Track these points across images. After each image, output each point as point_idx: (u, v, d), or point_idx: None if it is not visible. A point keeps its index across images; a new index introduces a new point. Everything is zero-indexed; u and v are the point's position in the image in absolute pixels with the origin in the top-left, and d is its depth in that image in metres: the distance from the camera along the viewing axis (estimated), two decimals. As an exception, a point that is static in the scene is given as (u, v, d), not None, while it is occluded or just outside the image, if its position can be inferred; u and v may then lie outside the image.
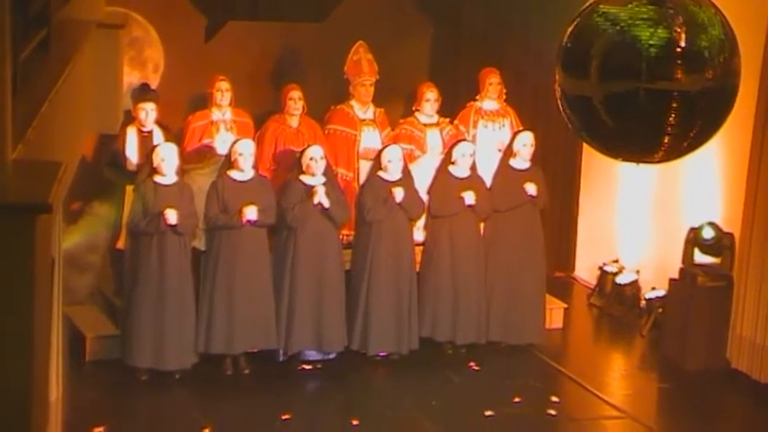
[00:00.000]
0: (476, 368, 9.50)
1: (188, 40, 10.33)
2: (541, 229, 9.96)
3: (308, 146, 9.32)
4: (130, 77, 9.74)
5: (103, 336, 9.31)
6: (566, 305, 10.61)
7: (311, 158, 9.14)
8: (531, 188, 9.71)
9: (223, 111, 9.73)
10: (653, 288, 10.44)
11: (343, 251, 9.42)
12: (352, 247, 9.55)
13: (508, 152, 9.87)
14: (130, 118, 9.40)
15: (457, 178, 9.60)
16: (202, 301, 9.02)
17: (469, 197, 9.54)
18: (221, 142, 9.58)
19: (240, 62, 10.32)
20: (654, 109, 5.39)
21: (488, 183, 9.79)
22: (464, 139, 9.93)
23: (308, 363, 9.36)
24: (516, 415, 8.68)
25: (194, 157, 9.57)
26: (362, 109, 10.06)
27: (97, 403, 8.62)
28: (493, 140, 10.26)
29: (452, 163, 9.62)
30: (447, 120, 10.26)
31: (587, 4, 5.61)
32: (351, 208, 9.46)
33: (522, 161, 9.81)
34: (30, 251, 3.54)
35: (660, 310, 10.19)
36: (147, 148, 9.24)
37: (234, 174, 9.06)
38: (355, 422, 8.37)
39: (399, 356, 9.47)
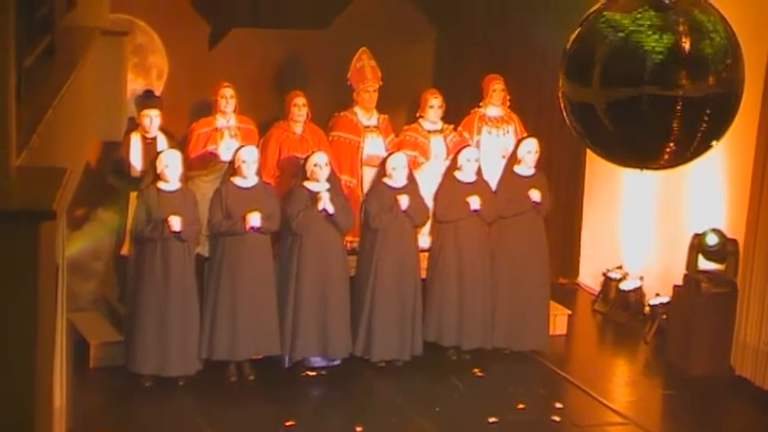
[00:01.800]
0: (480, 374, 9.50)
1: (192, 47, 10.35)
2: (545, 235, 9.95)
3: (313, 152, 9.33)
4: (134, 84, 9.76)
5: (107, 342, 9.31)
6: (569, 312, 10.61)
7: (315, 165, 9.14)
8: (535, 195, 9.71)
9: (227, 117, 9.73)
10: (657, 294, 10.43)
11: (347, 257, 9.43)
12: (357, 253, 9.56)
13: (512, 159, 9.88)
14: (134, 124, 9.41)
15: (463, 183, 9.61)
16: (206, 308, 9.02)
17: (475, 202, 9.54)
18: (225, 149, 9.59)
19: (244, 69, 10.33)
20: (657, 115, 5.39)
21: (493, 189, 9.79)
22: (469, 145, 9.94)
23: (313, 369, 9.36)
24: (520, 421, 8.67)
25: (198, 164, 9.57)
26: (366, 115, 10.07)
27: (101, 410, 8.62)
28: (497, 147, 10.26)
29: (458, 168, 9.63)
30: (451, 126, 10.26)
31: (591, 10, 5.61)
32: (355, 214, 9.47)
33: (526, 168, 9.81)
34: (34, 258, 3.54)
35: (664, 316, 10.18)
36: (151, 154, 9.24)
37: (238, 180, 9.07)
38: (359, 428, 8.36)
39: (403, 363, 9.47)
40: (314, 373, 9.33)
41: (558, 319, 10.38)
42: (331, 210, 9.10)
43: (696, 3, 5.52)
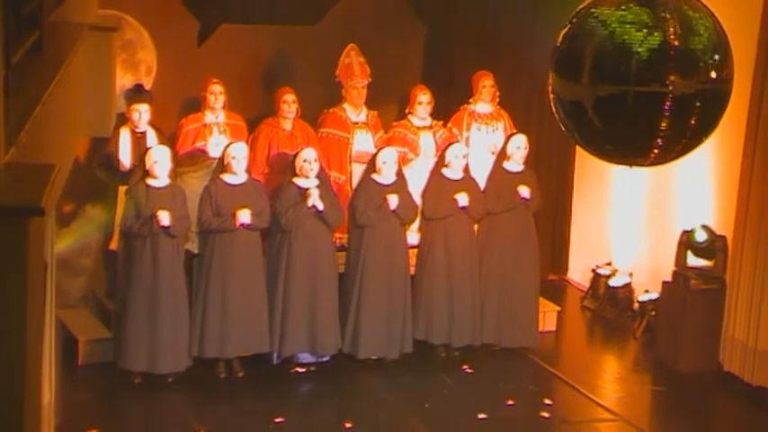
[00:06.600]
0: (469, 371, 9.50)
1: (181, 43, 10.33)
2: (535, 231, 9.96)
3: (302, 148, 9.32)
4: (123, 80, 9.75)
5: (96, 339, 9.30)
6: (559, 308, 10.62)
7: (305, 160, 9.14)
8: (524, 191, 9.72)
9: (216, 114, 9.72)
10: (646, 291, 10.45)
11: (336, 254, 9.42)
12: (346, 249, 9.55)
13: (502, 155, 9.88)
14: (124, 119, 9.38)
15: (450, 180, 9.61)
16: (196, 305, 9.01)
17: (463, 199, 9.55)
18: (214, 145, 9.57)
19: (233, 65, 10.32)
20: (645, 112, 5.40)
21: (482, 185, 9.80)
22: (456, 141, 9.95)
23: (302, 365, 9.36)
24: (509, 418, 8.68)
25: (187, 160, 9.55)
26: (355, 112, 10.06)
27: (90, 406, 8.61)
28: (486, 143, 10.26)
29: (445, 165, 9.63)
30: (440, 123, 10.26)
31: (581, 6, 5.62)
32: (344, 211, 9.46)
33: (515, 164, 9.82)
34: (22, 254, 3.53)
35: (653, 312, 10.20)
36: (140, 149, 9.23)
37: (227, 177, 9.05)
38: (348, 425, 8.36)
39: (392, 359, 9.47)
40: (303, 370, 9.33)
41: (548, 315, 10.39)
42: (320, 206, 9.09)
43: (685, -1, 5.52)
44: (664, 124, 5.39)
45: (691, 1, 5.53)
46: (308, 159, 9.13)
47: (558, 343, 10.45)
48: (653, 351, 9.99)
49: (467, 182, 9.66)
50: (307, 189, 9.10)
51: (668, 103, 5.34)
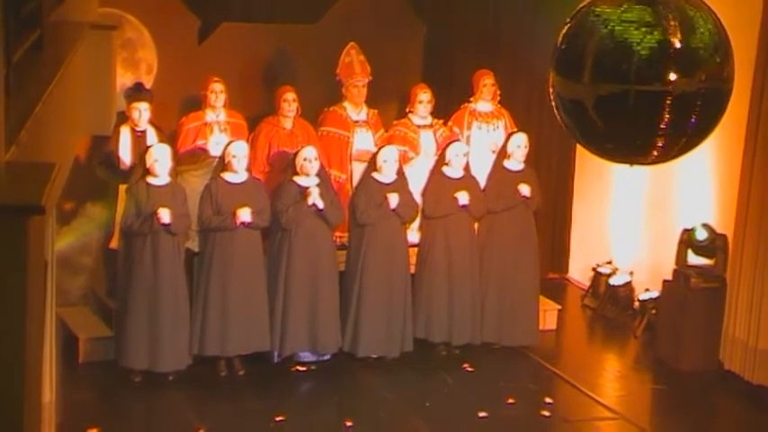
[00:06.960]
0: (470, 369, 9.51)
1: (181, 41, 10.33)
2: (535, 230, 9.96)
3: (302, 147, 9.33)
4: (123, 79, 9.74)
5: (97, 337, 9.30)
6: (559, 306, 10.63)
7: (305, 159, 9.14)
8: (524, 189, 9.72)
9: (217, 112, 9.72)
10: (646, 289, 10.46)
11: (337, 252, 9.42)
12: (346, 248, 9.55)
13: (502, 154, 9.88)
14: (124, 118, 9.38)
15: (450, 179, 9.61)
16: (196, 304, 9.01)
17: (463, 197, 9.55)
18: (215, 144, 9.57)
19: (233, 64, 10.32)
20: (646, 111, 5.39)
21: (482, 184, 9.80)
22: (457, 140, 9.95)
23: (303, 364, 9.36)
24: (510, 416, 8.68)
25: (188, 159, 9.55)
26: (355, 110, 10.05)
27: (91, 405, 8.61)
28: (487, 142, 10.26)
29: (446, 164, 9.63)
30: (441, 121, 10.26)
31: (582, 5, 5.61)
32: (344, 210, 9.46)
33: (515, 162, 9.82)
34: (23, 253, 3.53)
35: (653, 311, 10.20)
36: (140, 147, 9.22)
37: (228, 176, 9.05)
38: (349, 423, 8.36)
39: (393, 358, 9.47)
40: (303, 368, 9.33)
41: (548, 314, 10.39)
42: (321, 205, 9.09)
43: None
44: (664, 123, 5.39)
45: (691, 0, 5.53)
46: (309, 158, 9.14)
47: (559, 341, 10.45)
48: (653, 350, 9.99)
49: (467, 180, 9.66)
50: (307, 188, 9.10)
51: (669, 102, 5.34)
